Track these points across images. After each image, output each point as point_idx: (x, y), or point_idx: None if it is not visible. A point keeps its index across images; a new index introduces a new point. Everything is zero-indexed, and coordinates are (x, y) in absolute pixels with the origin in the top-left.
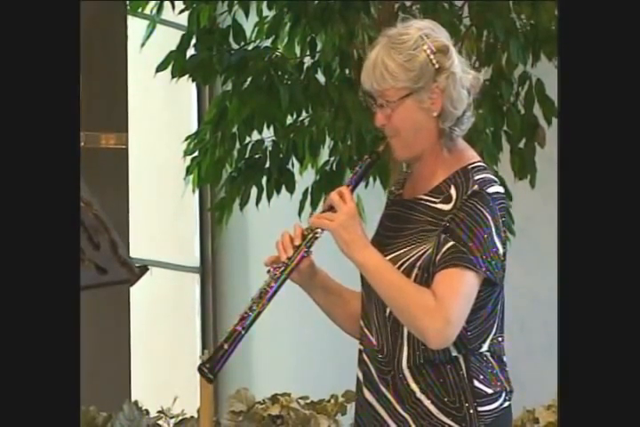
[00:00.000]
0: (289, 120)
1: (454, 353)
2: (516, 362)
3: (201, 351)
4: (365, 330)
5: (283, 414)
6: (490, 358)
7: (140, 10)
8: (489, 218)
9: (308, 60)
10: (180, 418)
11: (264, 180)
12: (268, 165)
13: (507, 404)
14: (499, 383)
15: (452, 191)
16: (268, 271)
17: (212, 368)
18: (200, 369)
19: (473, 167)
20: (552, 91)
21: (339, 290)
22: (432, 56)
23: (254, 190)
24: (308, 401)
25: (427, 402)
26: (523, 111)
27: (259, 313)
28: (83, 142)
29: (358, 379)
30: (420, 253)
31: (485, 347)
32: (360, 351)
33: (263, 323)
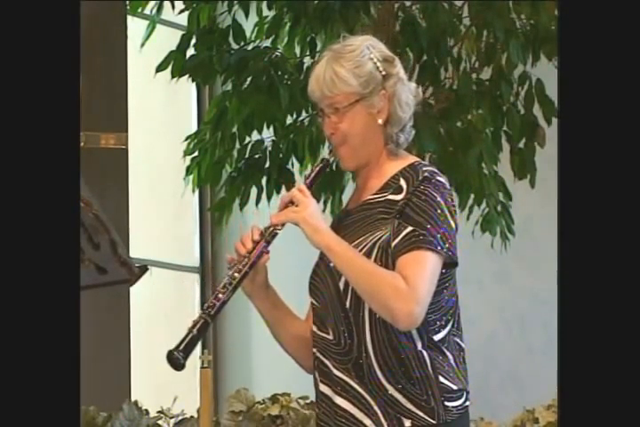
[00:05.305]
0: (289, 120)
1: (416, 338)
2: (516, 362)
3: (201, 351)
4: (319, 333)
5: (282, 414)
6: (450, 355)
7: (139, 10)
8: (441, 201)
9: (307, 60)
10: (180, 418)
11: (264, 180)
12: (267, 165)
13: (468, 403)
14: (459, 382)
15: (402, 183)
16: (229, 267)
17: (185, 355)
18: (172, 355)
19: (419, 163)
20: (552, 91)
21: (286, 309)
22: (379, 64)
23: (254, 190)
24: (308, 401)
25: (395, 393)
26: (522, 111)
27: (224, 302)
28: (83, 142)
29: (314, 377)
30: (376, 239)
31: (443, 334)
32: (313, 353)
33: (263, 323)
